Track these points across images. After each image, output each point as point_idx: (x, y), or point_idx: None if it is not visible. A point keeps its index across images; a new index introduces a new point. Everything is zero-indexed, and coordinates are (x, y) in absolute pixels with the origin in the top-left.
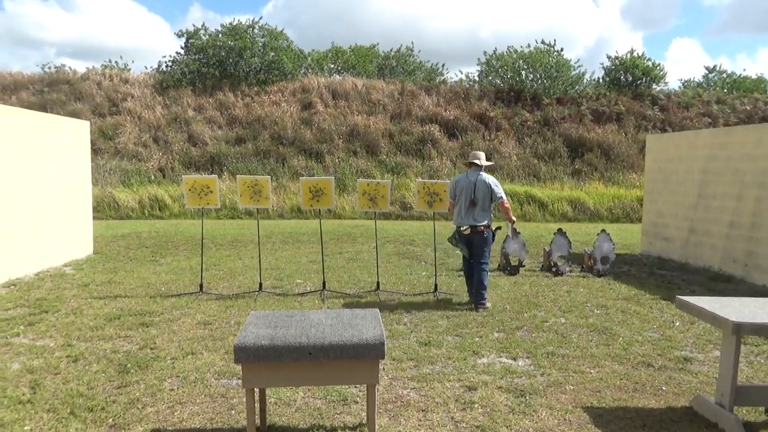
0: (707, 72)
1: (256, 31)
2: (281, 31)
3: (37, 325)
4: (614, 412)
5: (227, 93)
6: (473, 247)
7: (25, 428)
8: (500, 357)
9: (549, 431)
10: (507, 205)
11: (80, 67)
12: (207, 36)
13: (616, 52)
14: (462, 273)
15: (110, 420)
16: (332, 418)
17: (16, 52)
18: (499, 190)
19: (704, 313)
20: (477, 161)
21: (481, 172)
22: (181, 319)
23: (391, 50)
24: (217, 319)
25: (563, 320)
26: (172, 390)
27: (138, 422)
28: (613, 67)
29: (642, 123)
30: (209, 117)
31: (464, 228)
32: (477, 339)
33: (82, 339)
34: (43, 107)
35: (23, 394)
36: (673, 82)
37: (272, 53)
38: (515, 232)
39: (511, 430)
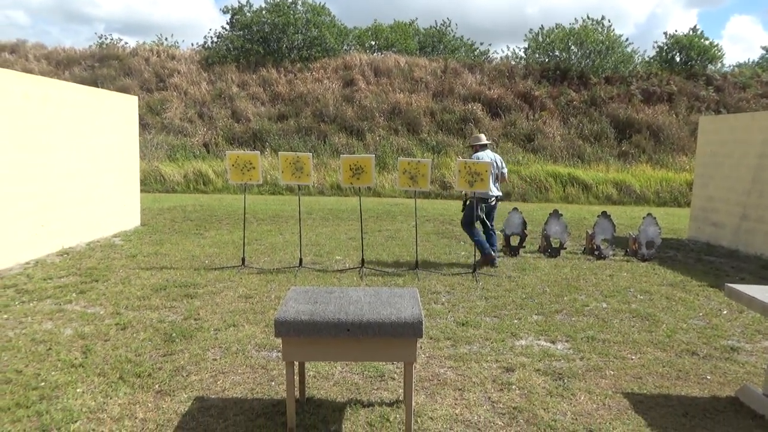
0: (765, 52)
1: (298, 6)
2: (323, 6)
3: (88, 293)
4: (655, 399)
5: (270, 69)
6: (491, 213)
7: (78, 390)
8: (539, 340)
9: (587, 415)
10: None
11: (129, 42)
12: (251, 12)
13: (676, 30)
14: (500, 255)
15: (156, 386)
16: (369, 393)
17: (68, 28)
18: (503, 164)
19: (755, 302)
20: (487, 141)
21: (491, 151)
22: (224, 291)
23: (431, 27)
24: (258, 292)
25: (605, 305)
26: (215, 360)
27: (183, 389)
28: (667, 45)
29: (695, 104)
30: (252, 93)
31: (491, 199)
32: (515, 321)
33: (130, 308)
34: (94, 82)
35: (75, 358)
36: (729, 62)
37: (315, 29)
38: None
39: (548, 412)
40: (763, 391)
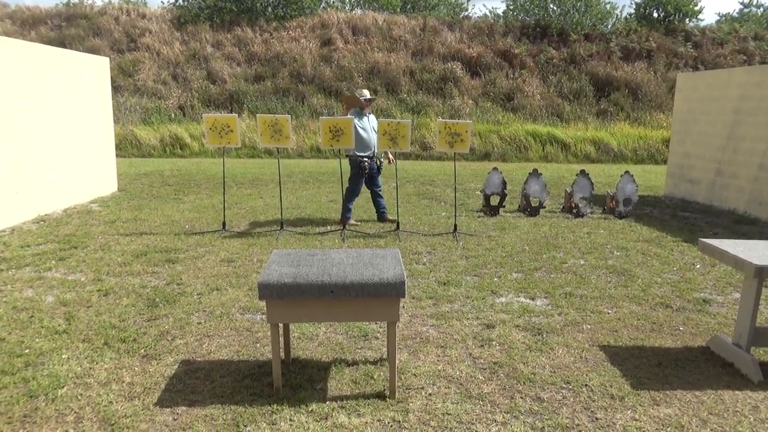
0: (742, 6)
1: None
2: None
3: (67, 260)
4: (630, 351)
5: (245, 29)
6: (373, 171)
7: (63, 356)
8: (518, 297)
9: (565, 368)
10: None
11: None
12: None
13: None
14: (482, 213)
15: (142, 350)
16: (354, 352)
17: None
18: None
19: (727, 255)
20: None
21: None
22: (206, 256)
23: None
24: (240, 256)
25: (582, 262)
26: (200, 324)
27: (168, 353)
28: (644, 1)
29: (673, 61)
30: (228, 53)
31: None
32: (495, 279)
33: (112, 274)
34: (61, 43)
35: (59, 325)
36: (709, 16)
37: None
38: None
39: (527, 366)
40: (733, 341)
